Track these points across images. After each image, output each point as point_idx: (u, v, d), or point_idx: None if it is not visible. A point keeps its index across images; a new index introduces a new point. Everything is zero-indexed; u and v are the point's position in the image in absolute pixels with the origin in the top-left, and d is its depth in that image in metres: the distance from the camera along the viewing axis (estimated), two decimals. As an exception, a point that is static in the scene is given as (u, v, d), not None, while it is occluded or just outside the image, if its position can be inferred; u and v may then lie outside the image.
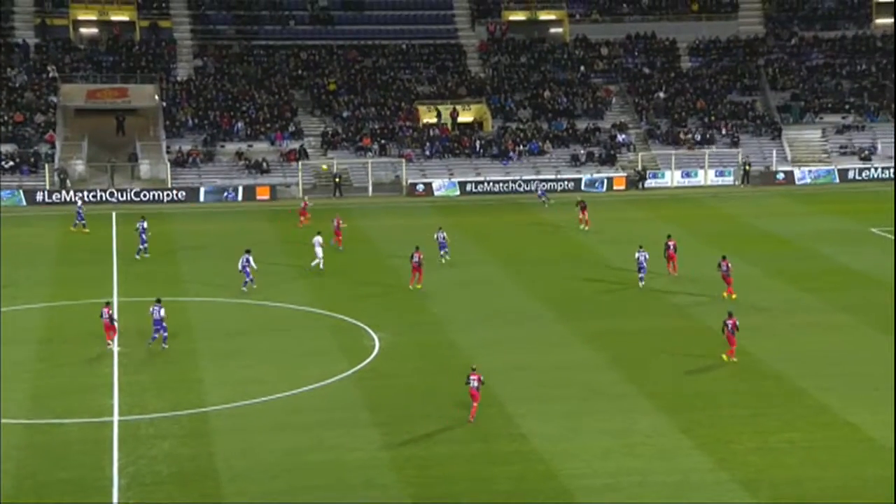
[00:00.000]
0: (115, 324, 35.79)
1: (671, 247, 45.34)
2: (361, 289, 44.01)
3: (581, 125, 74.43)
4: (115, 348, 35.35)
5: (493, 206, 63.96)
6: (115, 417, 29.86)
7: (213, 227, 57.07)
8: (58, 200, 63.02)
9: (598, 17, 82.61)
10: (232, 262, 44.71)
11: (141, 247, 48.52)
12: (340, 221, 51.06)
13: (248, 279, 42.80)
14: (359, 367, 34.30)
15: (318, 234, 47.47)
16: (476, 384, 29.72)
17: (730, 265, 42.23)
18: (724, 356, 34.62)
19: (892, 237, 51.80)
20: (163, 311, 35.50)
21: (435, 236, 47.40)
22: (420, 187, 67.15)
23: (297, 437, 28.59)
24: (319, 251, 46.20)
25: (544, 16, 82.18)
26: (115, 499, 25.14)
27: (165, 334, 35.73)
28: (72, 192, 61.46)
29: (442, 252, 46.95)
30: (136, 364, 34.35)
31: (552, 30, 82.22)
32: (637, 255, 43.82)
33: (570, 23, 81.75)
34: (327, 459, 27.34)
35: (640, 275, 43.57)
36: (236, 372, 33.74)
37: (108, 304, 36.48)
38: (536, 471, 26.88)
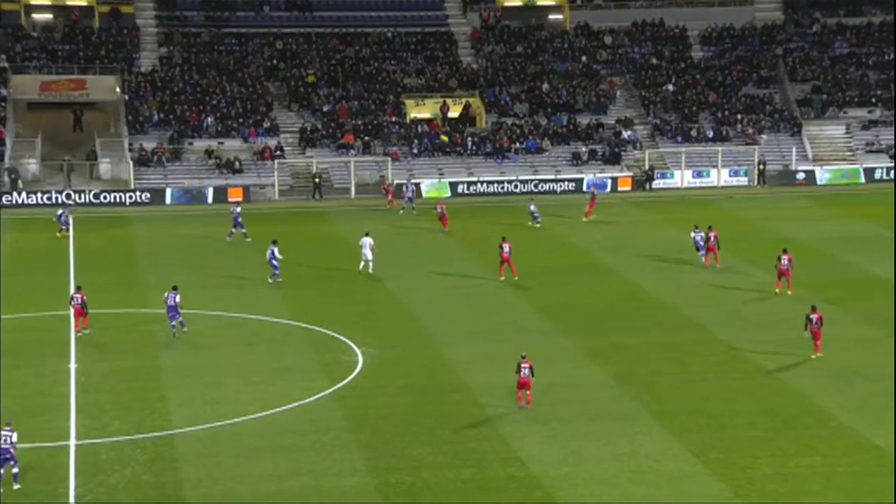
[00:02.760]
0: (87, 309, 38.15)
1: (713, 238, 48.20)
2: (344, 300, 44.05)
3: (583, 121, 74.65)
4: (81, 334, 35.35)
5: (487, 208, 64.07)
6: (72, 441, 29.85)
7: (180, 232, 57.05)
8: (8, 203, 62.93)
9: (601, 3, 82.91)
10: (198, 269, 44.77)
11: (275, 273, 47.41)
12: (444, 207, 56.09)
13: (275, 272, 45.30)
14: (340, 384, 34.35)
15: (367, 234, 47.43)
16: (527, 371, 31.53)
17: (791, 259, 43.48)
18: (813, 355, 35.65)
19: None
20: (178, 298, 38.41)
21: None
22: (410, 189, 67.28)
23: (272, 462, 28.60)
24: (369, 253, 46.76)
25: (543, 1, 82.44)
26: (72, 530, 25.17)
27: (181, 319, 38.45)
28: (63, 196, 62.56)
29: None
30: (96, 383, 34.35)
31: (551, 16, 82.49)
32: (692, 234, 48.65)
33: (570, 9, 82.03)
34: (306, 486, 27.37)
35: (700, 253, 48.27)
36: (205, 390, 33.76)
37: (80, 289, 38.10)
38: (533, 498, 26.95)
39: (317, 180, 67.23)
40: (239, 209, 55.13)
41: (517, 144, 72.37)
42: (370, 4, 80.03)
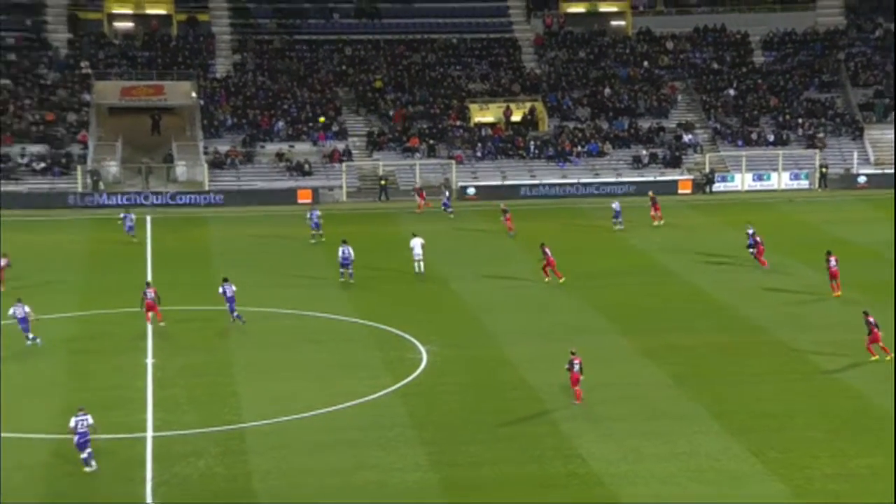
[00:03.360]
0: (159, 304, 39.04)
1: (759, 241, 48.27)
2: (408, 299, 44.14)
3: (644, 124, 74.07)
4: (158, 325, 35.84)
5: (548, 211, 63.82)
6: (149, 433, 30.23)
7: (251, 232, 57.56)
8: (90, 203, 64.00)
9: (663, 9, 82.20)
10: (268, 269, 45.06)
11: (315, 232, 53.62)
12: (507, 209, 55.49)
13: (349, 270, 45.80)
14: (404, 381, 34.41)
15: (414, 235, 47.68)
16: (578, 367, 31.60)
17: (837, 259, 43.14)
18: (886, 357, 35.17)
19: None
20: (234, 288, 39.83)
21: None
22: (471, 191, 67.26)
23: (338, 457, 28.72)
24: (420, 252, 46.91)
25: (605, 7, 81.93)
26: (147, 519, 25.52)
27: (235, 308, 39.79)
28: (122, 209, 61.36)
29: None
30: (171, 377, 34.77)
31: (613, 22, 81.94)
32: (748, 230, 48.86)
33: (633, 15, 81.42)
34: (371, 480, 27.44)
35: (751, 252, 48.37)
36: (275, 386, 34.01)
37: (150, 284, 39.33)
38: (594, 495, 26.77)
39: (383, 182, 67.46)
40: (319, 212, 55.14)
41: (579, 148, 72.01)
42: (437, 12, 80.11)
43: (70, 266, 48.92)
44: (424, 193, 63.76)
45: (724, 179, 70.20)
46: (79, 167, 66.17)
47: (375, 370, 35.51)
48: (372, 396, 33.05)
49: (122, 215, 54.87)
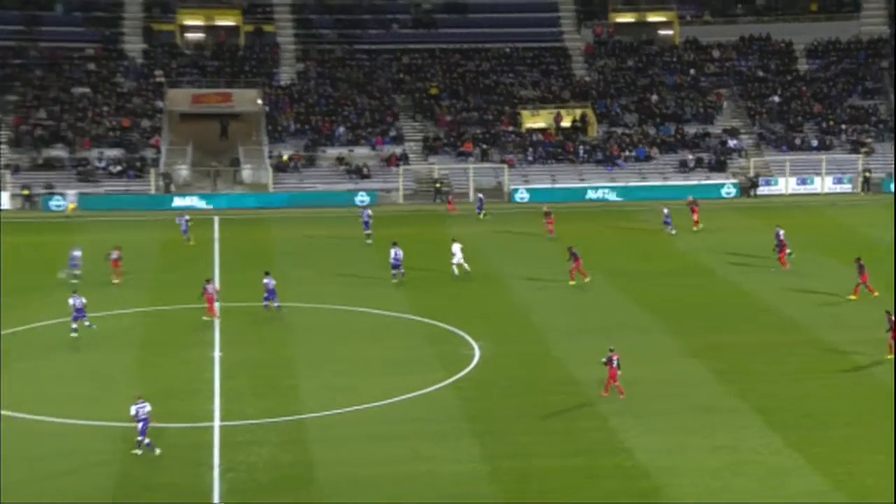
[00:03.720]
0: (217, 300, 39.73)
1: (784, 242, 47.77)
2: (461, 297, 44.18)
3: (690, 130, 73.47)
4: (215, 320, 36.28)
5: (596, 213, 63.53)
6: (216, 423, 30.58)
7: (312, 233, 57.94)
8: (161, 206, 64.80)
9: (709, 19, 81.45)
10: (328, 267, 45.33)
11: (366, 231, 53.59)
12: (549, 211, 54.79)
13: (400, 271, 45.61)
14: (457, 376, 34.47)
15: (454, 240, 47.74)
16: (616, 363, 31.59)
17: (863, 265, 42.50)
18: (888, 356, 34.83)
19: None
20: (274, 281, 40.89)
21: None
22: (522, 195, 67.18)
23: (393, 448, 28.86)
24: (459, 256, 46.67)
25: (653, 17, 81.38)
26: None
27: (277, 302, 40.62)
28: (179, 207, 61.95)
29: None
30: (236, 369, 35.13)
31: (661, 32, 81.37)
32: (777, 230, 48.46)
33: (680, 24, 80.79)
34: (425, 471, 27.53)
35: (787, 252, 47.73)
36: (334, 379, 34.24)
37: (210, 281, 40.11)
38: (640, 487, 26.65)
39: (438, 185, 67.59)
40: (370, 212, 55.51)
41: (627, 152, 71.64)
42: (490, 22, 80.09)
43: (143, 263, 49.57)
44: (452, 198, 63.69)
45: (768, 183, 69.42)
46: (152, 170, 67.05)
47: (429, 365, 35.61)
48: (426, 390, 33.15)
49: (177, 219, 54.70)
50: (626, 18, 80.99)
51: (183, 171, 68.70)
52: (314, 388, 33.36)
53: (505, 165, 69.38)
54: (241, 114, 73.24)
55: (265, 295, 41.22)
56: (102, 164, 67.60)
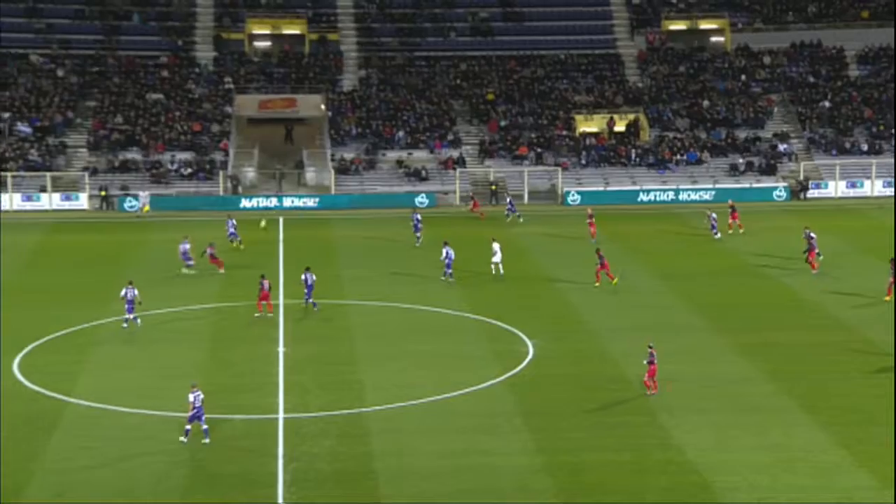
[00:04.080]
0: (270, 296, 40.10)
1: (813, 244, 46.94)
2: (516, 296, 44.09)
3: (741, 134, 72.62)
4: (274, 316, 36.59)
5: (648, 215, 63.04)
6: (280, 415, 30.81)
7: (373, 234, 58.18)
8: (229, 206, 65.51)
9: (761, 26, 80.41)
10: (386, 266, 45.45)
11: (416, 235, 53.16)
12: (592, 213, 53.84)
13: (448, 270, 45.27)
14: (512, 372, 34.40)
15: (494, 240, 47.65)
16: (655, 360, 31.45)
17: None
18: None
19: None
20: (314, 277, 41.30)
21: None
22: (575, 197, 66.85)
23: (450, 441, 28.88)
24: (499, 256, 46.49)
25: (705, 25, 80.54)
26: (279, 493, 25.95)
27: (311, 296, 40.97)
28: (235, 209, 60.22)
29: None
30: (300, 365, 35.38)
31: (713, 39, 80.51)
32: (806, 231, 47.55)
33: (731, 32, 79.87)
34: (481, 463, 27.52)
35: (817, 252, 46.79)
36: (393, 375, 34.34)
37: (264, 276, 40.53)
38: (689, 482, 26.39)
39: (493, 188, 67.52)
40: (419, 216, 55.08)
41: (678, 156, 71.00)
42: (545, 30, 79.83)
43: (209, 262, 50.08)
44: (477, 200, 63.34)
45: (818, 186, 68.38)
46: (221, 172, 67.82)
47: (485, 361, 35.59)
48: (482, 385, 33.13)
49: (227, 222, 53.32)
50: (679, 26, 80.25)
51: (250, 174, 69.41)
52: (375, 383, 33.49)
53: (559, 168, 69.13)
54: (306, 118, 73.80)
55: (305, 291, 41.13)
56: (174, 167, 68.51)
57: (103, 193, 65.28)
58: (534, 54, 78.15)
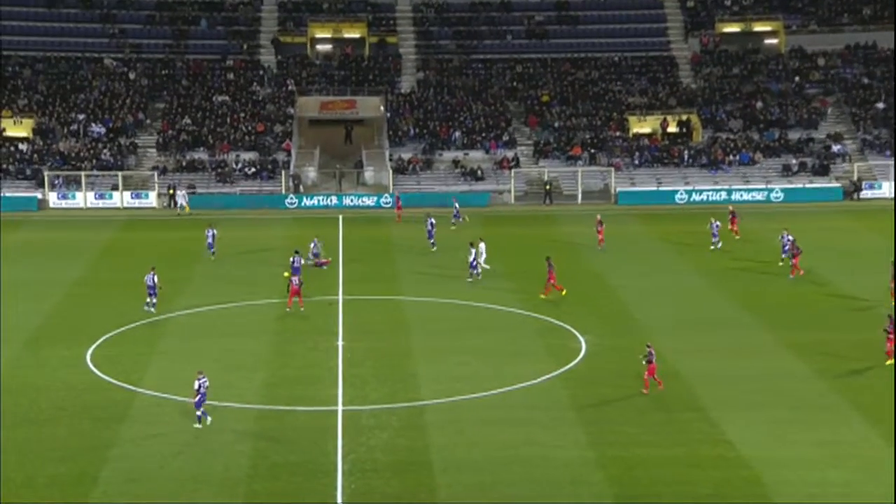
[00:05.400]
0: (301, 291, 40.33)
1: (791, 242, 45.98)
2: (568, 293, 43.99)
3: (794, 136, 71.63)
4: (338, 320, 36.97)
5: (699, 215, 62.46)
6: (340, 407, 31.13)
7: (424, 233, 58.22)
8: (290, 205, 66.25)
9: (815, 28, 79.21)
10: (442, 264, 45.65)
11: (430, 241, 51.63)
12: (601, 221, 52.17)
13: (474, 271, 45.00)
14: (566, 367, 34.39)
15: (481, 240, 47.44)
16: (654, 358, 31.23)
17: None
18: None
19: None
20: (302, 261, 42.75)
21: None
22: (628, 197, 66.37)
23: (506, 433, 28.97)
24: (484, 255, 46.09)
25: (759, 27, 79.54)
26: (338, 482, 26.26)
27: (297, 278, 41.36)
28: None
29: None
30: (358, 358, 35.70)
31: (767, 41, 79.50)
32: (785, 236, 46.44)
33: (785, 34, 78.80)
34: (535, 455, 27.59)
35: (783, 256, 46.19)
36: (449, 368, 34.52)
37: (294, 273, 41.16)
38: (740, 476, 26.24)
39: (548, 187, 67.41)
40: (434, 220, 51.99)
41: (731, 157, 70.28)
42: (600, 32, 79.45)
43: (274, 258, 50.67)
44: (401, 203, 61.10)
45: (871, 187, 67.29)
46: (283, 172, 68.55)
47: (539, 356, 35.62)
48: (537, 380, 33.17)
49: (207, 231, 50.34)
50: (733, 28, 79.36)
51: (311, 173, 70.06)
52: (432, 376, 33.68)
53: (612, 169, 68.79)
54: (365, 119, 74.29)
55: (293, 272, 41.62)
56: (238, 166, 69.38)
57: (171, 192, 66.32)
58: (588, 56, 77.81)
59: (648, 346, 32.06)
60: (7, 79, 73.67)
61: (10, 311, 41.05)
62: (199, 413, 29.20)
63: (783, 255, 46.85)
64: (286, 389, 32.64)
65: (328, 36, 79.39)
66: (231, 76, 75.92)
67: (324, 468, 26.98)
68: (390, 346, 37.06)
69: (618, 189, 67.54)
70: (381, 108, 73.62)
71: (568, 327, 38.72)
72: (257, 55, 77.73)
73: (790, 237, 46.54)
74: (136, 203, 65.75)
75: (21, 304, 42.05)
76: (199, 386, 29.19)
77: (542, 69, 77.15)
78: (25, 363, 35.17)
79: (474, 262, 45.30)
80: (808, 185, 67.16)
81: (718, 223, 51.62)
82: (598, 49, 78.26)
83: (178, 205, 64.18)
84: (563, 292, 42.31)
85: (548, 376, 33.52)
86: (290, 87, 75.13)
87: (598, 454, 27.57)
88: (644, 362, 31.73)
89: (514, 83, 76.28)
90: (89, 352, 36.06)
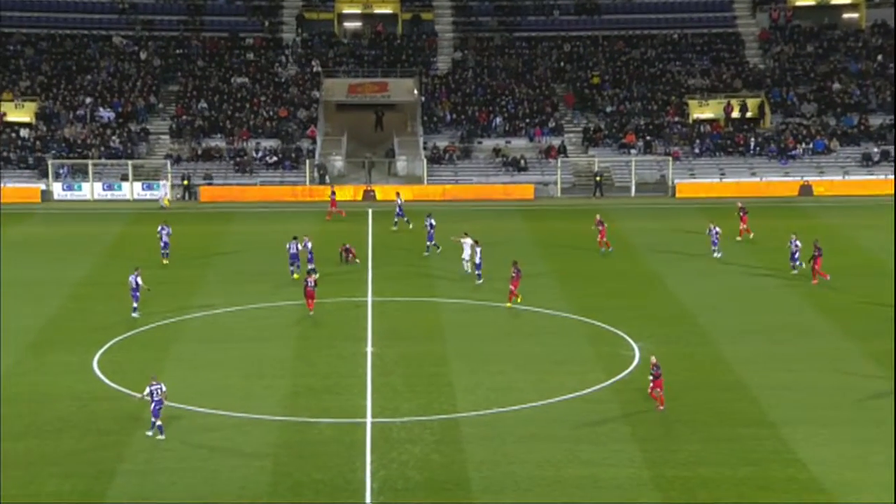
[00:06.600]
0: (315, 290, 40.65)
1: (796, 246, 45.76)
2: (621, 295, 43.73)
3: (875, 121, 70.77)
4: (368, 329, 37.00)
5: (767, 209, 61.86)
6: (368, 419, 31.12)
7: (465, 227, 58.14)
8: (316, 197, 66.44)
9: (899, 0, 78.22)
10: (486, 264, 45.55)
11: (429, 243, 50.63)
12: (602, 221, 50.78)
13: (475, 271, 45.29)
14: (617, 377, 34.14)
15: (466, 234, 47.15)
16: (659, 372, 30.97)
17: None
18: None
19: None
20: (300, 246, 45.20)
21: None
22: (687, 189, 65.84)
23: (550, 450, 28.81)
24: (468, 252, 45.96)
25: (837, 0, 78.66)
26: (367, 502, 26.20)
27: (297, 265, 44.49)
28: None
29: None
30: (389, 365, 35.68)
31: (845, 15, 78.61)
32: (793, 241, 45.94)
33: (866, 7, 77.85)
34: (583, 475, 27.40)
35: (792, 263, 45.86)
36: (488, 377, 34.39)
37: (311, 273, 41.88)
38: (814, 501, 25.88)
39: (598, 179, 67.08)
40: (433, 220, 50.95)
41: (803, 145, 69.53)
42: (657, 7, 78.96)
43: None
44: (335, 200, 59.73)
45: (961, 178, 66.26)
46: (307, 161, 68.73)
47: (588, 365, 35.41)
48: (584, 391, 32.96)
49: (159, 228, 49.62)
50: (807, 1, 78.54)
51: (338, 162, 70.20)
52: (468, 386, 33.59)
53: (669, 158, 68.32)
54: (397, 104, 74.34)
55: (290, 259, 44.34)
56: (259, 155, 69.66)
57: (186, 183, 66.72)
58: (644, 34, 77.35)
59: (654, 361, 31.57)
60: (8, 58, 74.56)
61: (12, 312, 41.48)
62: (154, 421, 29.40)
63: (793, 263, 46.04)
64: (310, 399, 32.69)
65: (357, 11, 79.54)
66: (251, 56, 76.27)
67: (351, 486, 26.96)
68: (423, 352, 37.01)
69: (675, 180, 67.09)
70: (415, 91, 73.61)
71: (620, 333, 38.46)
72: (279, 33, 78.02)
73: (798, 242, 46.07)
74: (148, 195, 66.22)
75: (23, 306, 42.48)
76: (153, 392, 29.42)
77: (593, 48, 76.78)
78: (28, 369, 35.51)
79: (479, 263, 45.10)
80: (890, 177, 66.21)
81: (718, 229, 49.45)
82: (654, 25, 77.78)
83: (159, 197, 64.14)
84: (519, 299, 41.69)
85: (597, 387, 33.29)
86: (315, 68, 75.34)
87: (655, 474, 27.31)
88: (650, 378, 31.24)
89: (562, 63, 75.96)
90: (96, 357, 36.33)
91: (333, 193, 60.44)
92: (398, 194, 58.67)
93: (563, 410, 31.60)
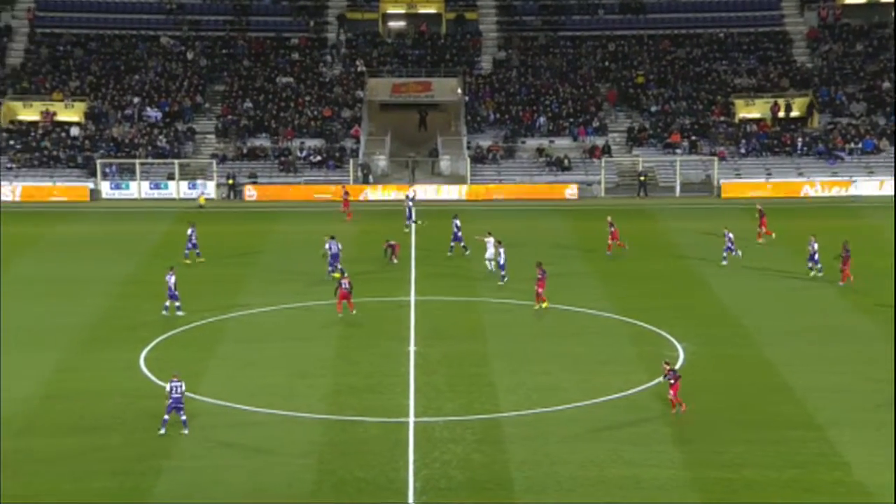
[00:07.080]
0: (352, 293, 40.56)
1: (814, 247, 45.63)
2: (665, 296, 43.60)
3: (925, 120, 69.90)
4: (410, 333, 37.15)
5: (813, 209, 61.36)
6: (411, 418, 31.26)
7: (508, 227, 58.18)
8: (360, 198, 66.71)
9: (951, -3, 77.21)
10: (526, 261, 45.63)
11: (452, 244, 50.32)
12: (612, 223, 50.40)
13: (495, 270, 45.21)
14: (660, 378, 34.01)
15: (489, 234, 47.26)
16: (672, 376, 30.73)
17: None
18: None
19: None
20: (340, 245, 45.54)
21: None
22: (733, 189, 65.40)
23: (593, 450, 28.82)
24: (491, 251, 45.88)
25: (886, -3, 77.87)
26: (410, 501, 26.36)
27: (339, 265, 44.65)
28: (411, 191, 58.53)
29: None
30: (432, 365, 35.81)
31: None
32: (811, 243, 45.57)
33: (917, 4, 76.92)
34: (626, 475, 27.39)
35: (809, 266, 45.40)
36: (531, 377, 34.45)
37: (344, 274, 42.06)
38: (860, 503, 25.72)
39: (642, 178, 66.83)
40: (459, 221, 50.83)
41: (852, 145, 68.82)
42: (703, 6, 78.48)
43: (343, 254, 51.08)
44: (348, 200, 59.47)
45: None
46: (351, 160, 69.07)
47: (631, 365, 35.36)
48: (627, 392, 32.93)
49: (189, 230, 49.29)
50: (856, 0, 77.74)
51: (381, 162, 70.48)
52: (511, 386, 33.66)
53: (715, 158, 67.93)
54: (441, 103, 74.49)
55: (329, 261, 44.59)
56: (303, 155, 70.12)
57: (231, 182, 67.33)
58: (690, 33, 76.95)
59: (665, 364, 31.37)
60: (58, 59, 75.64)
61: (62, 309, 42.16)
62: (165, 418, 29.79)
63: (811, 264, 45.52)
64: (354, 398, 32.91)
65: (401, 11, 79.81)
66: (296, 56, 76.79)
67: (394, 485, 27.12)
68: (466, 352, 37.11)
69: (721, 180, 66.69)
70: (459, 90, 73.73)
71: (664, 333, 38.35)
72: (324, 33, 78.49)
73: (816, 244, 45.52)
74: (194, 194, 66.87)
75: (72, 303, 43.13)
76: (173, 389, 29.82)
77: (638, 47, 76.49)
78: (78, 366, 36.07)
79: (503, 263, 44.83)
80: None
81: (732, 235, 48.44)
82: (700, 24, 77.34)
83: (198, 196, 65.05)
84: (545, 304, 41.52)
85: (640, 388, 33.24)
86: (359, 68, 75.70)
87: (697, 475, 27.24)
88: (665, 379, 31.04)
89: (606, 63, 75.76)
90: (143, 355, 36.81)
91: (346, 193, 60.53)
92: (414, 191, 58.33)
93: (607, 410, 31.60)
